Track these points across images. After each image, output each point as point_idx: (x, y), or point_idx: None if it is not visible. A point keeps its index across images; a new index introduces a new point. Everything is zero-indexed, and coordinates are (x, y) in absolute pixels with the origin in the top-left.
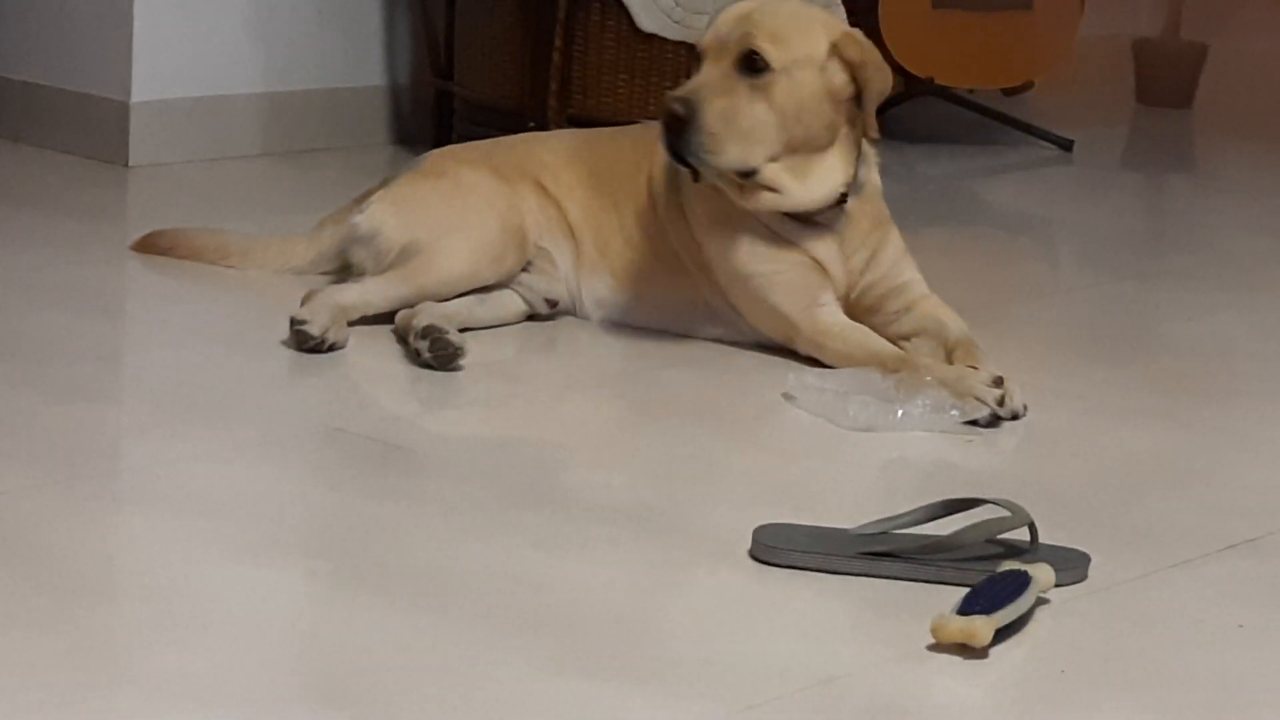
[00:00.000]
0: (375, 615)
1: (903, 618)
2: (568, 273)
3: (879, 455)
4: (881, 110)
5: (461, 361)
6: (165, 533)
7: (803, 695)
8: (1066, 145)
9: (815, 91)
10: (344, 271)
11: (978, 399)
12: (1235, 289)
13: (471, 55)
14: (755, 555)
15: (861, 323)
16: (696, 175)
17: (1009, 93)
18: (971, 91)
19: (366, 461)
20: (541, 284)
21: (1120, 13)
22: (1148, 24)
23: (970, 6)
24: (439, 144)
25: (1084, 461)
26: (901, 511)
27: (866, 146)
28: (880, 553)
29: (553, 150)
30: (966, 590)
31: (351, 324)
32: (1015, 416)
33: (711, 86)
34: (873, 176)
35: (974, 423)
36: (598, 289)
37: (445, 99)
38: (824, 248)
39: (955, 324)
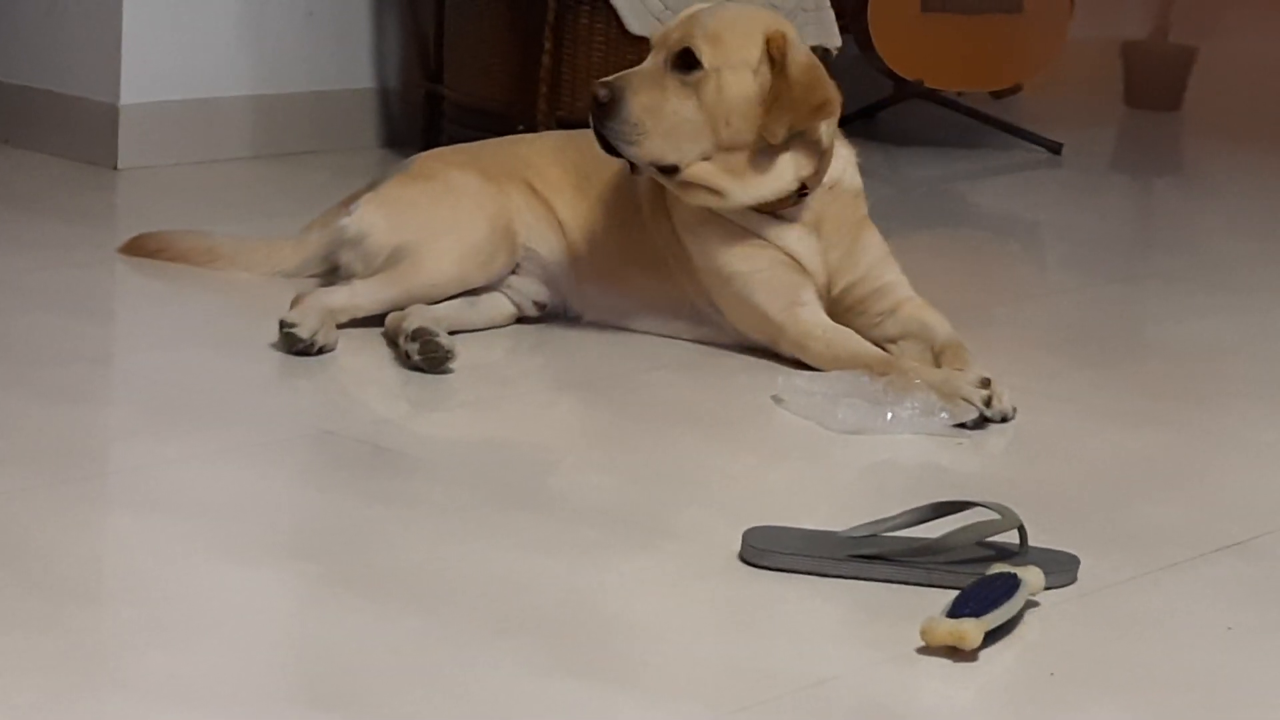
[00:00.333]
0: (364, 617)
1: (892, 620)
2: (556, 274)
3: (868, 458)
4: (871, 113)
5: (451, 364)
6: (154, 535)
7: (792, 698)
8: (1055, 148)
9: (746, 93)
10: (332, 274)
11: (966, 401)
12: (1223, 291)
13: (461, 58)
14: (745, 558)
15: (846, 325)
16: (634, 167)
17: (998, 95)
18: (960, 94)
19: (356, 464)
20: (530, 286)
21: (1109, 15)
22: (1137, 27)
23: (959, 9)
24: (428, 146)
25: (1073, 464)
26: (891, 514)
27: (839, 145)
28: (870, 555)
29: (540, 151)
30: (956, 593)
31: (341, 326)
32: (1004, 419)
33: (641, 78)
34: (848, 175)
35: (962, 425)
36: (586, 290)
37: (434, 101)
38: (798, 242)
39: (942, 326)
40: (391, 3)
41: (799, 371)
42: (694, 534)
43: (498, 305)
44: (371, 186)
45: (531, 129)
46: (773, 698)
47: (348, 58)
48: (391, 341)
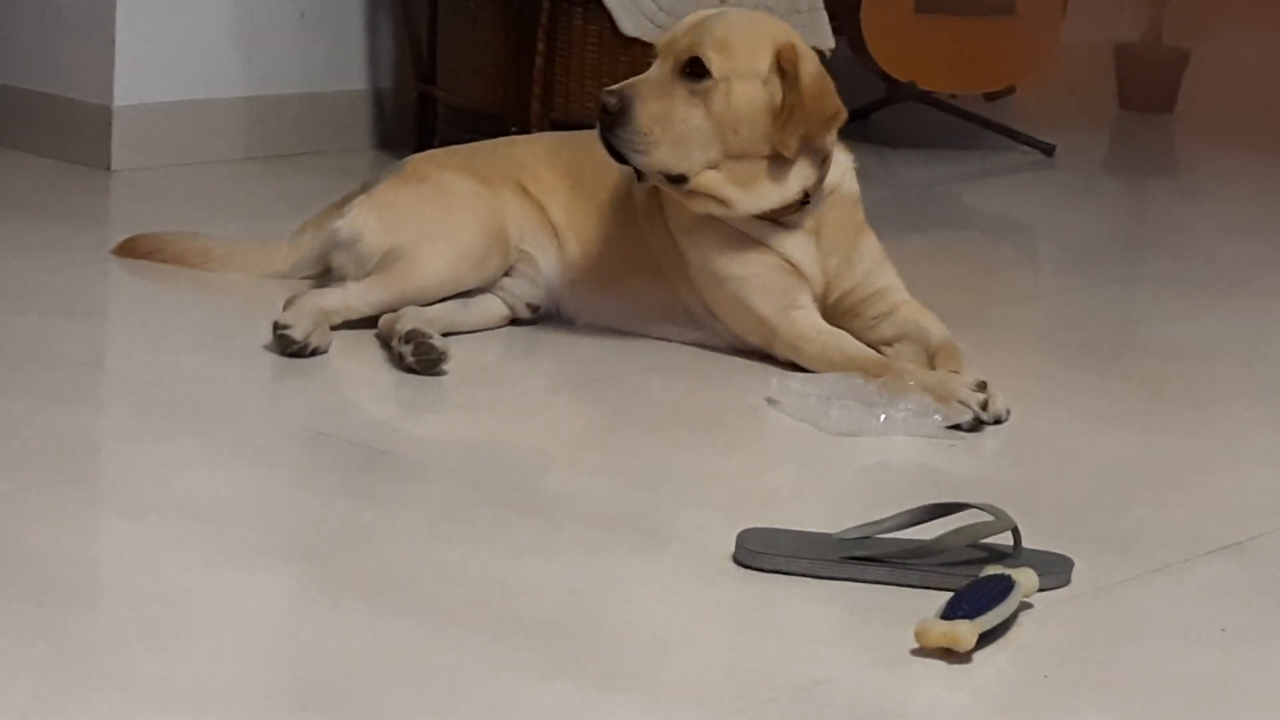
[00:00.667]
0: (358, 619)
1: (886, 622)
2: (550, 276)
3: (862, 460)
4: (864, 114)
5: (444, 366)
6: (148, 537)
7: (786, 700)
8: (1048, 150)
9: (755, 103)
10: (326, 276)
11: (961, 403)
12: (1217, 293)
13: (454, 59)
14: (739, 560)
15: (842, 328)
16: (640, 175)
17: (991, 97)
18: (954, 96)
19: (349, 466)
20: (523, 288)
21: (1102, 18)
22: (1129, 29)
23: (953, 11)
24: (421, 148)
25: (1067, 466)
26: (885, 516)
27: (837, 151)
28: (864, 557)
29: (534, 152)
30: (950, 595)
31: (334, 328)
32: (998, 421)
33: (650, 86)
34: (847, 181)
35: (957, 427)
36: (579, 292)
37: (428, 103)
38: (797, 249)
39: (936, 328)
40: (384, 4)
41: (793, 373)
42: (688, 536)
43: (491, 307)
44: (365, 188)
45: (525, 131)
46: (767, 699)
47: (341, 59)
48: (385, 343)
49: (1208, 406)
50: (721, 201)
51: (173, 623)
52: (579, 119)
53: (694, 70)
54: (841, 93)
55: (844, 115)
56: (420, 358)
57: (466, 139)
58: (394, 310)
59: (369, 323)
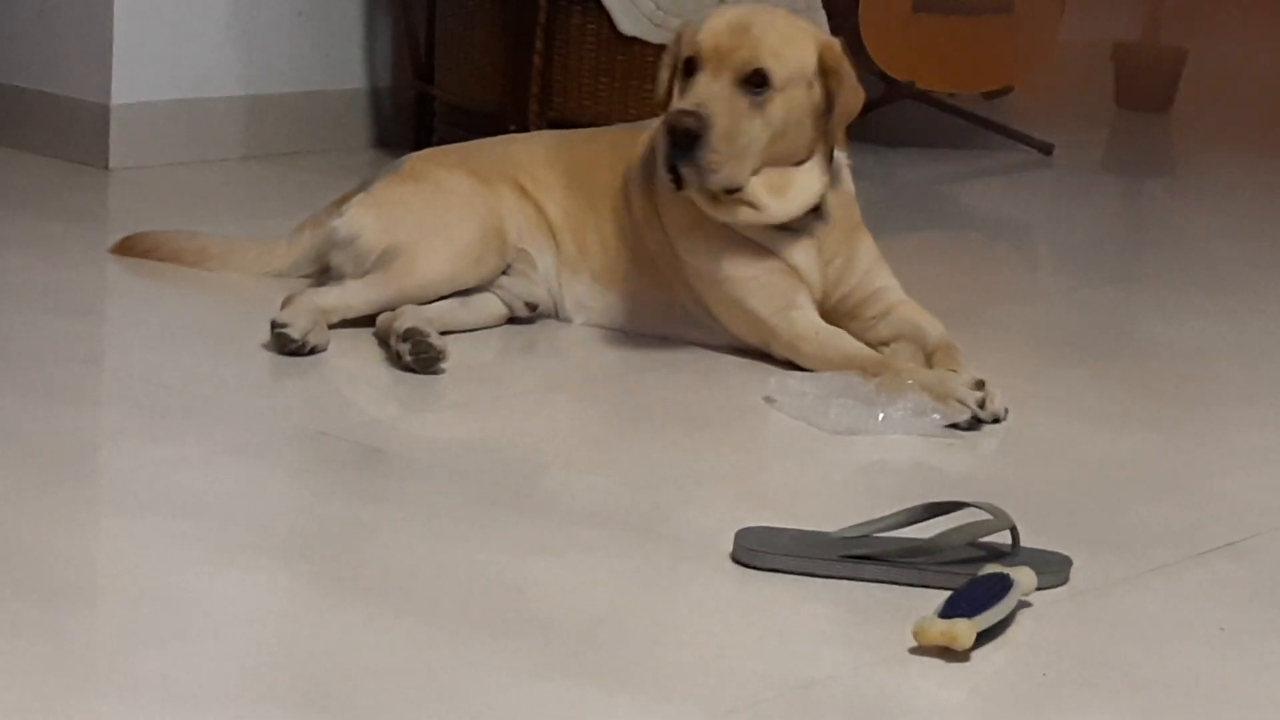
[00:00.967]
0: (356, 618)
1: (885, 621)
2: (547, 274)
3: (860, 458)
4: (863, 113)
5: (442, 364)
6: (146, 536)
7: (784, 698)
8: (1046, 149)
9: (804, 107)
10: (324, 274)
11: (959, 402)
12: (1214, 293)
13: (452, 58)
14: (737, 558)
15: (840, 329)
16: (679, 185)
17: (989, 96)
18: (952, 95)
19: (347, 464)
20: (521, 287)
21: (1100, 17)
22: (1127, 28)
23: (950, 10)
24: (419, 147)
25: (1065, 465)
26: (883, 515)
27: (837, 152)
28: (862, 556)
29: (531, 152)
30: (948, 594)
31: (332, 327)
32: (996, 420)
33: (719, 103)
34: (845, 179)
35: (955, 426)
36: (577, 291)
37: (426, 102)
38: (800, 255)
39: (934, 328)
40: (382, 3)
41: (791, 372)
42: (686, 534)
43: (489, 305)
44: (363, 187)
45: (523, 129)
46: (765, 698)
47: (339, 58)
48: (383, 342)
49: (1205, 405)
50: (756, 208)
51: (171, 621)
52: (577, 117)
53: (755, 81)
54: None
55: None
56: (418, 356)
57: (464, 138)
58: (392, 309)
59: (367, 321)
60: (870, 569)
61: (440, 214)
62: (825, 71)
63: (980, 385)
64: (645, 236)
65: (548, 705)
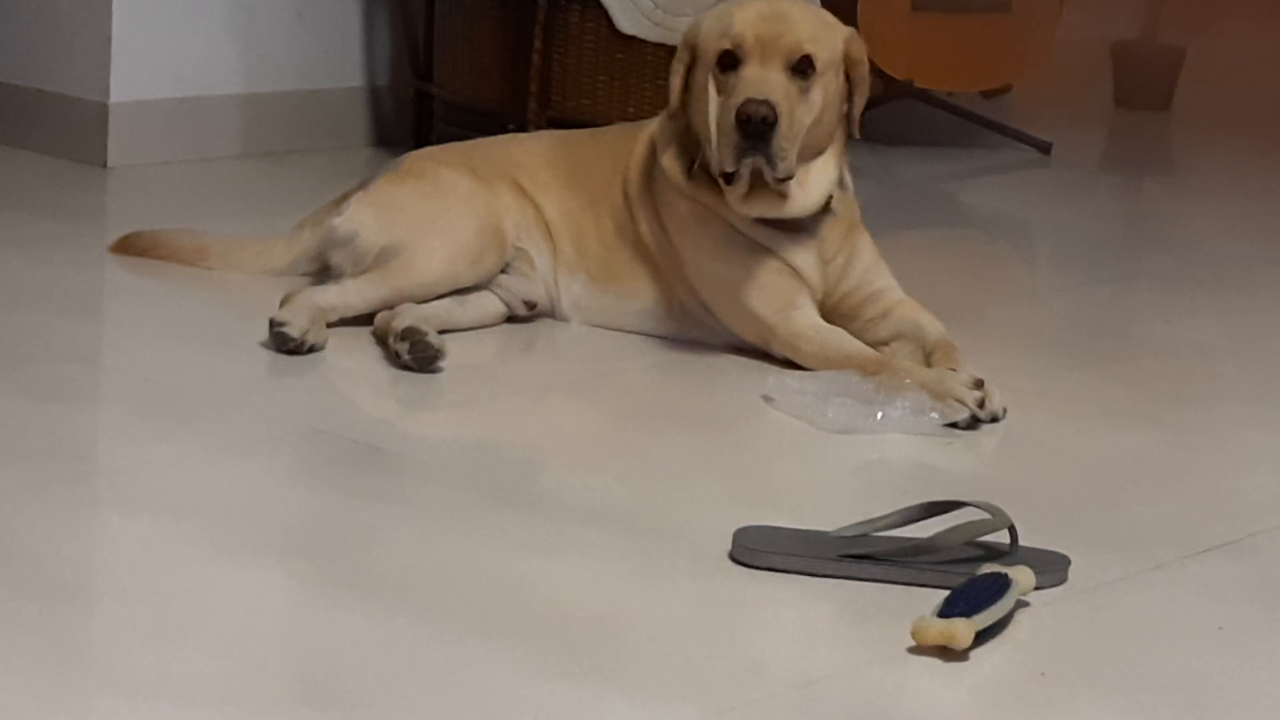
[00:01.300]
0: (354, 617)
1: (883, 620)
2: (546, 273)
3: (859, 457)
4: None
5: (441, 363)
6: (144, 534)
7: (783, 697)
8: (1045, 148)
9: (835, 94)
10: (323, 273)
11: (958, 401)
12: (1213, 291)
13: (451, 57)
14: (735, 557)
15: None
16: (730, 178)
17: (987, 95)
18: (950, 94)
19: (346, 463)
20: (520, 286)
21: (1098, 15)
22: (1126, 27)
23: (949, 9)
24: (418, 145)
25: (1064, 464)
26: (881, 514)
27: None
28: (860, 555)
29: (530, 151)
30: (947, 593)
31: (331, 325)
32: (995, 419)
33: (779, 89)
34: (845, 179)
35: (954, 425)
36: (575, 290)
37: (425, 100)
38: (801, 254)
39: (933, 326)
40: (381, 1)
41: (790, 371)
42: (684, 533)
43: (487, 304)
44: (362, 185)
45: (522, 128)
46: (763, 697)
47: (338, 56)
48: (381, 340)
49: (1204, 404)
50: (786, 199)
51: (169, 619)
52: (576, 116)
53: (801, 67)
54: None
55: None
56: (417, 355)
57: (463, 136)
58: (390, 307)
59: (366, 320)
60: (869, 568)
61: (439, 213)
62: (850, 60)
63: (979, 384)
64: (644, 235)
65: (546, 703)
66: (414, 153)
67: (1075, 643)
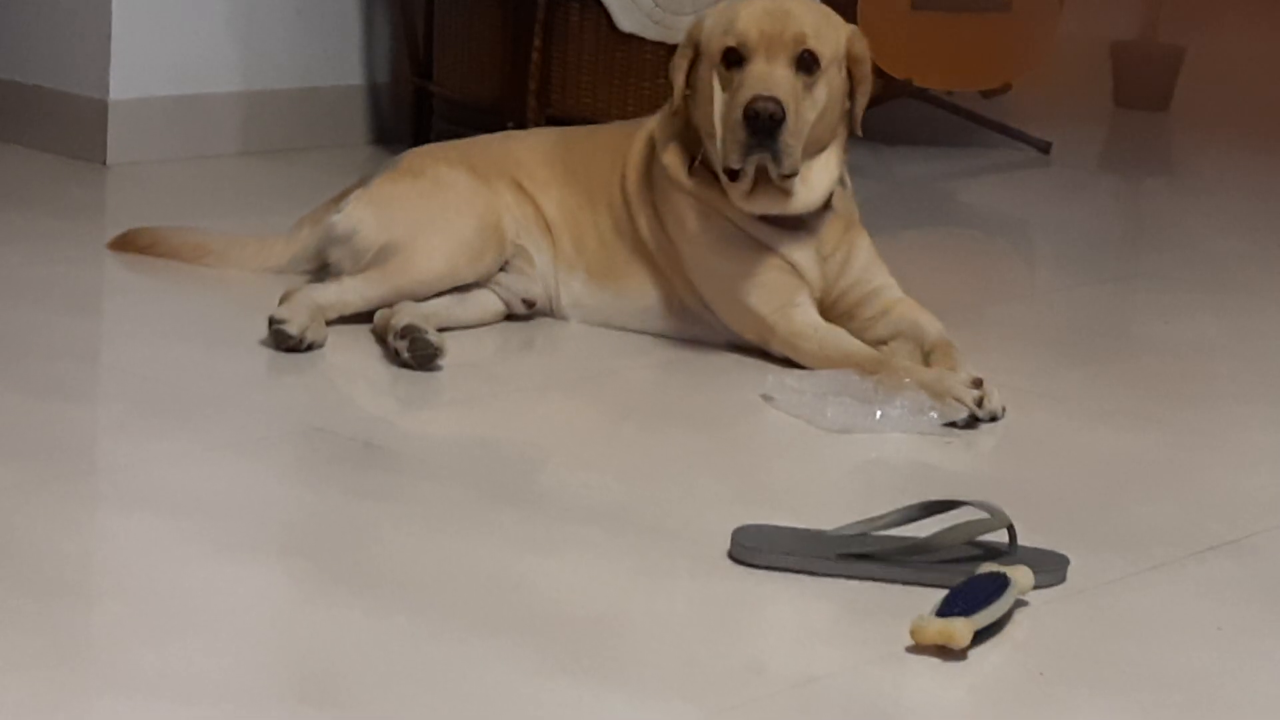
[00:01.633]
0: (354, 614)
1: (882, 619)
2: (545, 271)
3: (858, 457)
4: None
5: (440, 361)
6: (144, 531)
7: (782, 696)
8: (1044, 147)
9: (838, 90)
10: (322, 271)
11: (956, 400)
12: (1212, 290)
13: (451, 54)
14: (734, 556)
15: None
16: (736, 175)
17: (987, 94)
18: (950, 93)
19: (345, 461)
20: (519, 284)
21: (1098, 15)
22: (1126, 26)
23: (949, 8)
24: (418, 143)
25: (1063, 463)
26: (880, 513)
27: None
28: (859, 554)
29: (530, 148)
30: (945, 592)
31: (330, 323)
32: (994, 418)
33: (786, 85)
34: (844, 178)
35: (953, 424)
36: (574, 288)
37: (424, 98)
38: (800, 253)
39: (932, 326)
40: None
41: (789, 370)
42: (683, 532)
43: (487, 302)
44: (362, 183)
45: (521, 126)
46: (762, 696)
47: (337, 54)
48: (380, 338)
49: (1203, 403)
50: (790, 196)
51: (168, 617)
52: (575, 114)
53: (806, 63)
54: None
55: None
56: (416, 353)
57: (463, 134)
58: (390, 305)
59: (365, 318)
60: (867, 567)
61: (438, 210)
62: (852, 57)
63: (978, 383)
64: (643, 233)
65: (545, 701)
66: (413, 150)
67: (1074, 642)
